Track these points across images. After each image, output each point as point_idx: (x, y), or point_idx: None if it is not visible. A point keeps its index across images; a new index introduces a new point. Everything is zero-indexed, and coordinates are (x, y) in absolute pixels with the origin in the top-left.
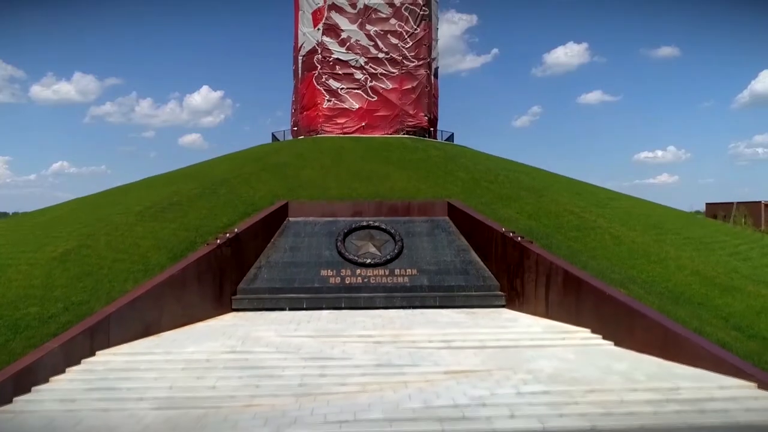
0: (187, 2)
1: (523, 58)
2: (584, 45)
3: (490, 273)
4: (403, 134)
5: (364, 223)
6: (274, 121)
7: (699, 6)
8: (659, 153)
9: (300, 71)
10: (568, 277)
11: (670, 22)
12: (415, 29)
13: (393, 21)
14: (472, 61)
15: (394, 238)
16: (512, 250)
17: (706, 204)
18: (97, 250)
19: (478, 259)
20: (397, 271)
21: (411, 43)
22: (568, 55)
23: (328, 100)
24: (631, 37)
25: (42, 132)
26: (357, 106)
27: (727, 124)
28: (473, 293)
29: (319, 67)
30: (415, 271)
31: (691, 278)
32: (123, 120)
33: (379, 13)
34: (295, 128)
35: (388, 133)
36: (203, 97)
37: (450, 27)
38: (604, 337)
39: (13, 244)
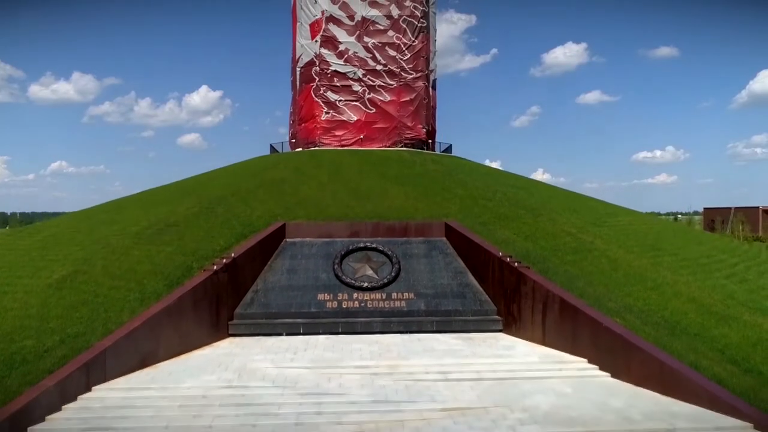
0: (186, 2)
1: (522, 59)
2: (583, 45)
3: (487, 297)
4: (401, 146)
5: (362, 245)
6: (273, 120)
7: (698, 7)
8: (658, 153)
9: (298, 83)
10: (564, 306)
11: (669, 22)
12: (413, 41)
13: (391, 33)
14: (471, 61)
15: (391, 260)
16: (509, 274)
17: (704, 209)
18: (94, 276)
19: (475, 282)
20: (394, 295)
21: (409, 55)
22: (567, 55)
23: (326, 113)
24: (630, 38)
25: (40, 132)
26: (355, 119)
27: (725, 125)
28: (470, 317)
29: (317, 79)
30: (412, 295)
31: (687, 306)
32: (122, 120)
33: (377, 26)
34: (293, 140)
35: (386, 145)
36: (202, 96)
37: (449, 27)
38: (601, 368)
39: (9, 267)
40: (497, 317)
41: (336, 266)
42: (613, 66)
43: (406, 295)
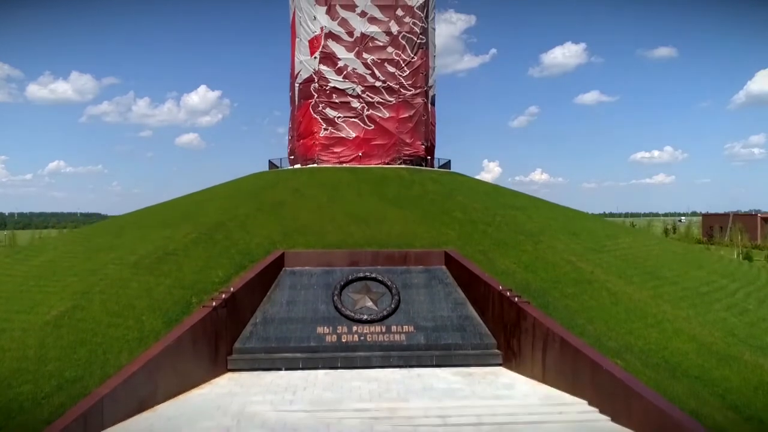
0: (185, 2)
1: (520, 59)
2: (582, 45)
3: (486, 330)
4: (400, 163)
5: (361, 275)
6: (271, 120)
7: (696, 7)
8: (656, 153)
9: (297, 99)
10: (565, 345)
11: (668, 23)
12: (412, 57)
13: (390, 49)
14: (469, 62)
15: (390, 291)
16: (509, 309)
17: (703, 215)
18: (92, 313)
19: (475, 314)
20: (393, 328)
21: (408, 72)
22: (565, 55)
23: (325, 129)
24: (628, 38)
25: (38, 131)
26: (354, 135)
27: (723, 125)
28: (470, 351)
29: (316, 95)
30: (411, 328)
31: (688, 346)
32: (120, 119)
33: (376, 42)
34: (292, 156)
35: (385, 162)
36: (201, 96)
37: (448, 27)
38: (602, 411)
39: (6, 300)
40: (497, 351)
41: (335, 297)
42: (611, 66)
43: (405, 327)
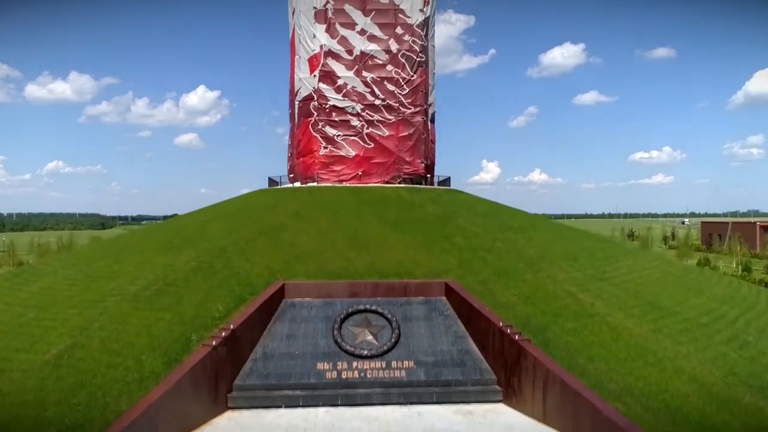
0: (184, 2)
1: (519, 59)
2: (581, 46)
3: (487, 365)
4: (400, 181)
5: (361, 307)
6: (270, 120)
7: (694, 8)
8: (655, 153)
9: (296, 116)
10: (565, 387)
11: (666, 23)
12: (412, 76)
13: (389, 67)
14: (468, 62)
15: (391, 324)
16: (509, 346)
17: (702, 223)
18: (91, 352)
19: (476, 349)
20: (393, 364)
21: (407, 90)
22: (564, 56)
23: (325, 147)
24: (627, 39)
25: (37, 131)
26: (354, 154)
27: (721, 125)
28: (470, 387)
29: (316, 114)
30: (411, 363)
31: (688, 387)
32: (119, 120)
33: (376, 60)
34: (292, 174)
35: (384, 180)
36: (200, 96)
37: (447, 28)
38: None
39: (5, 335)
40: (497, 387)
41: (335, 332)
42: (610, 67)
43: (405, 363)
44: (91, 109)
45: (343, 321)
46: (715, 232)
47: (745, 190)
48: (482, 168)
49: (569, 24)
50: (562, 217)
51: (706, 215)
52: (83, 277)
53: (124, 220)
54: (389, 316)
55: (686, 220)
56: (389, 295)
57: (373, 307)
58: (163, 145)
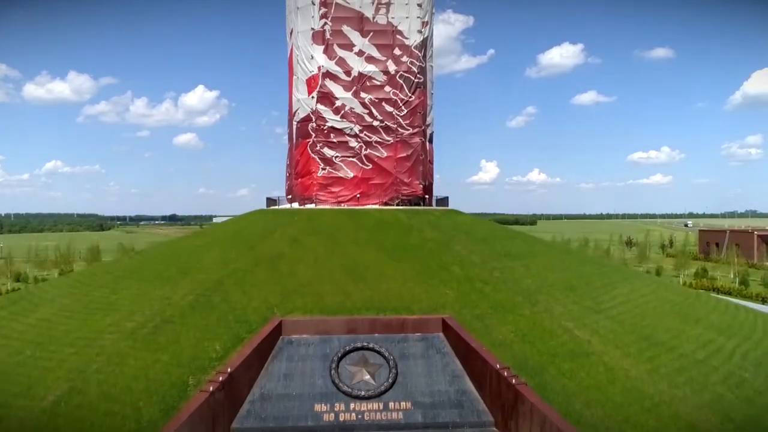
0: (183, 2)
1: (518, 59)
2: (579, 46)
3: (484, 406)
4: (398, 203)
5: (359, 344)
6: (269, 120)
7: (693, 8)
8: (653, 153)
9: (294, 137)
10: None
11: (665, 24)
12: (410, 97)
13: (387, 89)
14: (467, 62)
15: (388, 363)
16: (507, 389)
17: (700, 231)
18: (89, 397)
19: (473, 389)
20: (391, 405)
21: (406, 111)
22: (563, 56)
23: (323, 168)
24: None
25: (35, 131)
26: (352, 175)
27: (720, 125)
28: (467, 430)
29: (314, 135)
30: (409, 405)
31: None
32: (117, 119)
33: (374, 81)
34: (290, 196)
35: (383, 201)
36: (199, 96)
37: (446, 28)
38: None
39: (4, 376)
40: (495, 430)
41: (333, 371)
42: (609, 67)
43: (403, 404)
44: (90, 109)
45: (340, 359)
46: (712, 240)
47: (743, 190)
48: (481, 168)
49: (568, 24)
50: (560, 217)
51: (704, 216)
52: (81, 309)
53: (123, 220)
54: (386, 354)
55: (690, 222)
56: (386, 332)
57: (371, 345)
58: (161, 145)
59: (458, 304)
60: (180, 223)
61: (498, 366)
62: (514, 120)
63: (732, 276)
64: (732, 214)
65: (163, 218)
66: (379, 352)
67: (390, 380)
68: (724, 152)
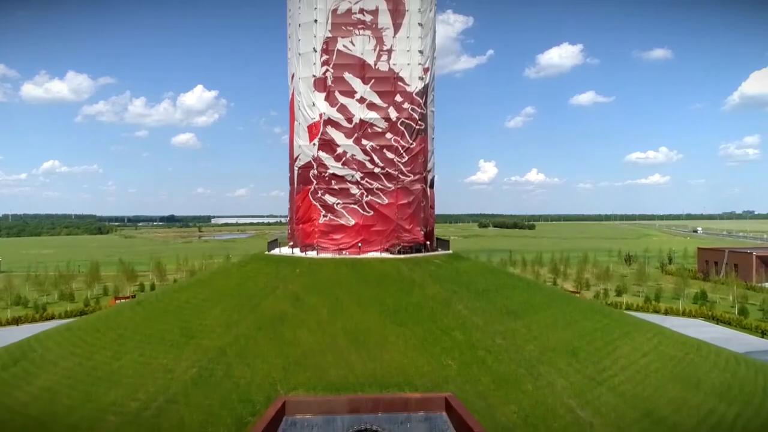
0: (182, 2)
1: (517, 60)
2: (578, 46)
3: None
4: (399, 249)
5: (362, 427)
6: (268, 120)
7: (691, 9)
8: (651, 154)
9: (296, 182)
10: None
11: (663, 25)
12: (411, 144)
13: (389, 135)
14: (466, 62)
15: None
16: None
17: (698, 249)
18: None
19: None
20: None
21: (407, 158)
22: (562, 56)
23: (324, 216)
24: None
25: (33, 131)
26: (353, 222)
27: (717, 126)
28: None
29: (315, 182)
30: None
31: None
32: (115, 119)
33: (375, 128)
34: (291, 242)
35: (384, 248)
36: (197, 96)
37: (446, 28)
38: None
39: None
40: None
41: None
42: (607, 67)
43: None
44: (88, 109)
45: None
46: (711, 259)
47: (740, 190)
48: (479, 168)
49: (567, 25)
50: (559, 218)
51: (702, 217)
52: (84, 377)
53: (121, 221)
54: None
55: (699, 228)
56: (390, 410)
57: (374, 427)
58: (160, 144)
59: (460, 377)
60: (178, 225)
61: None
62: (512, 120)
63: (731, 299)
64: (730, 215)
65: (162, 219)
66: None
67: None
68: (721, 152)
